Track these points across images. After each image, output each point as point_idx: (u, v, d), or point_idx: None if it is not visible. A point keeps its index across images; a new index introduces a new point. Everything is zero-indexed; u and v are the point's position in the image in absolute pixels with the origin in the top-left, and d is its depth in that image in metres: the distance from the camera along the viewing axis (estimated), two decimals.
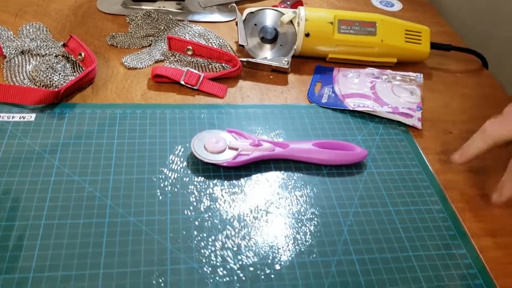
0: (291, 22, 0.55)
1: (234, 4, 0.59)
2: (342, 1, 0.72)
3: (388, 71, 0.54)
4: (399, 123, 0.49)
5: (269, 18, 0.56)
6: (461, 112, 0.53)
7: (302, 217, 0.39)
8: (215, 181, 0.41)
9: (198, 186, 0.40)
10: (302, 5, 0.65)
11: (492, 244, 0.39)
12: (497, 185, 0.39)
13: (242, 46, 0.56)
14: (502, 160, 0.47)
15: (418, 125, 0.49)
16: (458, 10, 0.73)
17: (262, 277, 0.34)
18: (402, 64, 0.58)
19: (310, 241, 0.37)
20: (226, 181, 0.41)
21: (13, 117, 0.44)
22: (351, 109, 0.50)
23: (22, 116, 0.44)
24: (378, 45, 0.55)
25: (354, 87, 0.52)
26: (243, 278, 0.34)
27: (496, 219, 0.41)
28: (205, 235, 0.36)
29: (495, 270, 0.36)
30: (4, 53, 0.52)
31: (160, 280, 0.33)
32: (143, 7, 0.63)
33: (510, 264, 0.37)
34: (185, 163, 0.42)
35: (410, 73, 0.54)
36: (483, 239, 0.39)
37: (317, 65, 0.57)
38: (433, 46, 0.58)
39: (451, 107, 0.53)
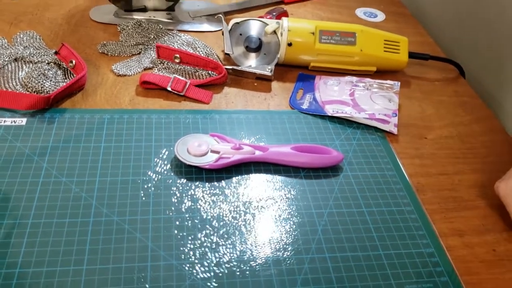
0: (274, 32, 0.58)
1: (220, 15, 0.62)
2: (327, 12, 0.74)
3: (367, 79, 0.56)
4: (376, 129, 0.51)
5: (253, 28, 0.59)
6: (436, 118, 0.55)
7: (279, 217, 0.41)
8: (197, 183, 0.43)
9: (181, 188, 0.42)
10: (287, 16, 0.67)
11: (459, 243, 0.40)
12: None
13: (228, 54, 0.58)
14: (473, 164, 0.49)
15: (394, 130, 0.51)
16: (440, 21, 0.75)
17: (238, 273, 0.36)
18: (382, 73, 0.60)
19: (285, 239, 0.39)
20: (207, 183, 0.43)
21: (4, 121, 0.46)
22: (330, 115, 0.52)
23: (14, 121, 0.46)
24: (357, 54, 0.58)
25: (334, 94, 0.54)
26: (220, 274, 0.36)
27: (464, 220, 0.43)
28: (185, 233, 0.38)
29: (461, 268, 0.38)
30: None
31: (141, 276, 0.35)
32: (134, 16, 0.66)
33: (475, 262, 0.39)
34: (168, 166, 0.44)
35: (388, 81, 0.56)
36: (451, 238, 0.41)
37: (299, 73, 0.59)
38: (412, 55, 0.61)
39: (427, 113, 0.56)
